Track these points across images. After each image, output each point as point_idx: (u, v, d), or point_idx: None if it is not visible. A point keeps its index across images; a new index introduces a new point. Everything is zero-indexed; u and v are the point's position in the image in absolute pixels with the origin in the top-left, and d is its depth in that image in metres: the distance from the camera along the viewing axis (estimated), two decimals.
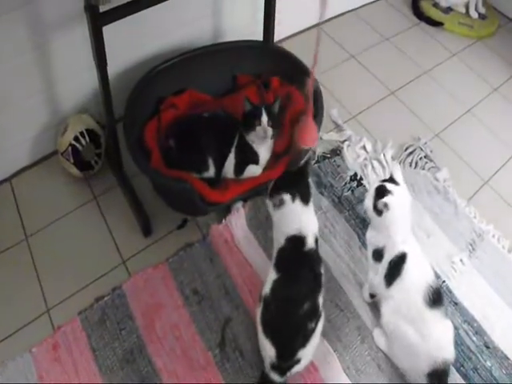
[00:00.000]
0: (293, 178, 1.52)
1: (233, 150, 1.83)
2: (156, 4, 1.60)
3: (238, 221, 1.80)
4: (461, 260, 1.83)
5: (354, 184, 1.98)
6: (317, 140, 1.77)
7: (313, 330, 1.38)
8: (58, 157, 1.89)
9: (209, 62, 2.06)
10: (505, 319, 1.73)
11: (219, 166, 1.82)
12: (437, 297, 1.42)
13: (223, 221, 1.81)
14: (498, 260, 1.85)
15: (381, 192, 1.44)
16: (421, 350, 1.41)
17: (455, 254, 1.85)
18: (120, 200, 1.88)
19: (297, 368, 1.39)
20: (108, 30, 1.45)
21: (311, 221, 1.48)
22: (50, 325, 1.58)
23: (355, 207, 1.91)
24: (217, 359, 1.52)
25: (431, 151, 2.13)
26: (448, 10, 2.97)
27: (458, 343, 1.62)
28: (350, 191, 1.96)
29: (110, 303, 1.61)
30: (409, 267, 1.44)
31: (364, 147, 2.10)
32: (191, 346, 1.54)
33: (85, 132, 1.85)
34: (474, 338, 1.67)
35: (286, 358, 1.36)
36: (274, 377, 1.38)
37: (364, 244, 1.73)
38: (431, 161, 2.10)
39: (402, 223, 1.47)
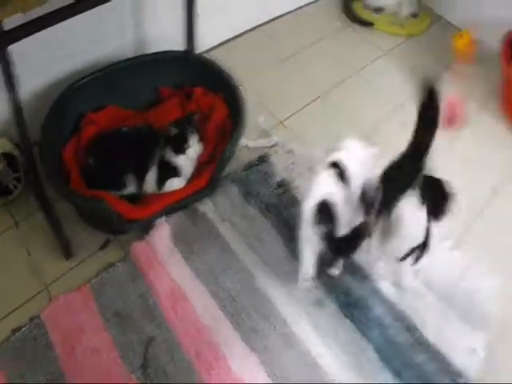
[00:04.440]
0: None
1: (154, 163, 1.78)
2: (66, 19, 1.50)
3: (161, 236, 1.76)
4: None
5: (282, 190, 1.95)
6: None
7: None
8: None
9: (130, 75, 2.02)
10: (436, 314, 1.72)
11: (140, 181, 1.78)
12: None
13: (146, 237, 1.75)
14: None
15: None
16: None
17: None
18: (42, 225, 1.81)
19: None
20: (20, 49, 1.38)
21: None
22: None
23: (282, 213, 1.88)
24: (140, 381, 1.47)
25: None
26: (379, 10, 3.00)
27: (389, 341, 1.62)
28: (277, 198, 1.93)
29: (27, 334, 1.54)
30: None
31: (291, 152, 2.07)
32: (113, 371, 1.49)
33: (1, 156, 1.79)
34: (407, 335, 1.66)
35: None
36: None
37: (292, 250, 1.72)
38: None
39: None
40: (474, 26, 2.78)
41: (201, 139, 1.83)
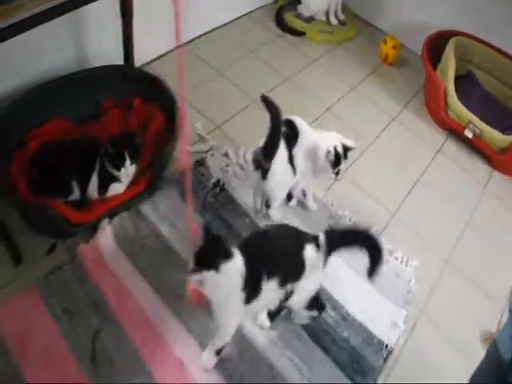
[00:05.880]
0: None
1: (95, 171, 1.90)
2: (19, 34, 1.61)
3: (105, 238, 1.88)
4: None
5: (217, 190, 2.12)
6: None
7: None
8: None
9: (71, 89, 2.12)
10: (359, 292, 1.92)
11: (83, 187, 1.90)
12: None
13: (91, 240, 1.87)
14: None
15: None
16: None
17: None
18: None
19: None
20: None
21: None
22: None
23: (218, 210, 2.04)
24: (89, 372, 1.58)
25: None
26: (310, 19, 3.20)
27: (317, 320, 1.79)
28: (213, 197, 2.09)
29: None
30: None
31: (226, 154, 2.24)
32: (64, 363, 1.59)
33: None
34: (332, 314, 1.84)
35: None
36: None
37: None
38: None
39: None
40: (398, 31, 3.02)
41: (138, 159, 1.93)
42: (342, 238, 1.59)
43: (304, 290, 1.57)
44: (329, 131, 1.91)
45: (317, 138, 1.86)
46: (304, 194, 2.12)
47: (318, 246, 1.52)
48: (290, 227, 1.64)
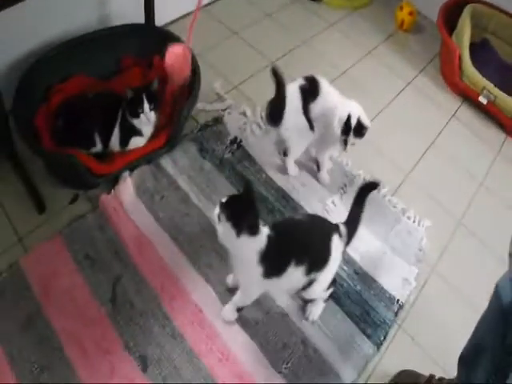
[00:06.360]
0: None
1: (117, 124, 1.95)
2: None
3: (126, 189, 1.93)
4: (332, 202, 2.05)
5: (234, 147, 2.16)
6: None
7: None
8: None
9: (94, 47, 2.16)
10: (372, 249, 1.97)
11: (105, 140, 1.95)
12: None
13: (112, 191, 1.93)
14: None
15: None
16: None
17: (327, 197, 2.07)
18: (15, 185, 1.95)
19: None
20: None
21: None
22: None
23: (235, 167, 2.09)
24: (109, 313, 1.65)
25: None
26: None
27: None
28: (230, 153, 2.13)
29: (7, 278, 1.69)
30: None
31: (244, 113, 2.28)
32: (86, 305, 1.66)
33: None
34: (345, 267, 1.89)
35: None
36: None
37: None
38: None
39: None
40: None
41: (157, 107, 1.96)
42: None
43: (326, 279, 1.61)
44: (347, 97, 1.93)
45: (336, 102, 1.89)
46: (318, 166, 2.14)
47: (340, 235, 1.56)
48: (321, 218, 1.67)
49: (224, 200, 1.41)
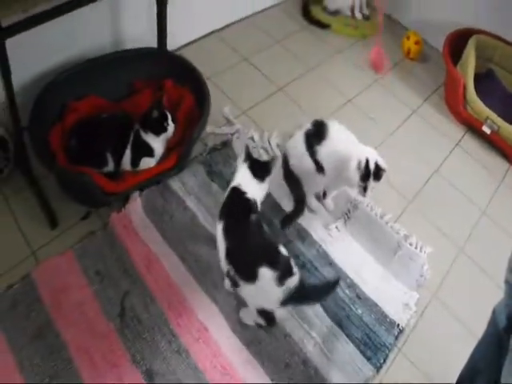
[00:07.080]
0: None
1: (129, 145, 2.02)
2: (55, 17, 1.74)
3: (136, 208, 2.00)
4: (336, 227, 2.09)
5: None
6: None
7: None
8: None
9: (108, 69, 2.25)
10: (374, 273, 2.01)
11: (117, 160, 2.02)
12: None
13: (122, 209, 1.99)
14: (370, 224, 2.15)
15: None
16: None
17: (331, 222, 2.11)
18: (29, 200, 2.02)
19: None
20: (13, 43, 1.61)
21: None
22: None
23: None
24: (118, 327, 1.70)
25: None
26: (335, 12, 3.28)
27: (333, 296, 1.88)
28: None
29: (20, 290, 1.75)
30: None
31: (252, 138, 2.35)
32: (95, 319, 1.71)
33: None
34: (347, 291, 1.93)
35: None
36: None
37: None
38: None
39: None
40: (421, 27, 3.09)
41: (173, 120, 2.07)
42: None
43: None
44: (353, 124, 1.99)
45: (351, 148, 1.91)
46: (324, 193, 2.18)
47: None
48: None
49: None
